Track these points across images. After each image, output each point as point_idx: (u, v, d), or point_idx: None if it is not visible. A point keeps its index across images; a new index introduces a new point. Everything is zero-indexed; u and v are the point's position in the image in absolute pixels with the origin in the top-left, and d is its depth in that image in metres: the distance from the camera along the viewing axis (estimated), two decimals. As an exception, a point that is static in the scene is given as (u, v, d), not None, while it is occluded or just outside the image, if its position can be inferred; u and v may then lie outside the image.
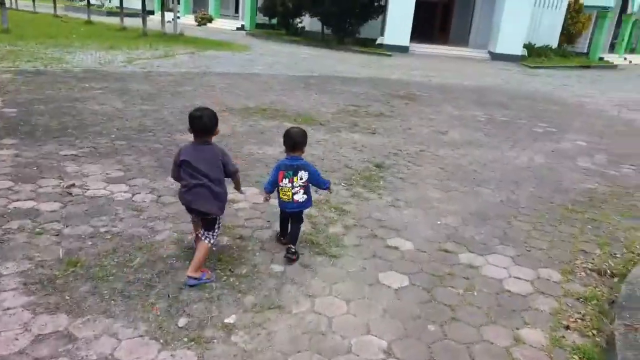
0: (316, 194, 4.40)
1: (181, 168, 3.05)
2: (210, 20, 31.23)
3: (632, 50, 35.21)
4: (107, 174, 4.74)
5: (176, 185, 3.42)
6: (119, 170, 4.85)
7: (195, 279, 3.02)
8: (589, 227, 4.47)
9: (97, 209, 3.96)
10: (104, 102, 7.70)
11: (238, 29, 30.10)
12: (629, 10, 30.97)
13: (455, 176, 5.65)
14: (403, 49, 23.50)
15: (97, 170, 4.81)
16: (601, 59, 29.65)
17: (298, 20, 27.17)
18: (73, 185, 4.37)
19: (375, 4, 23.74)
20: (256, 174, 5.09)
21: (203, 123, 3.03)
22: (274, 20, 28.34)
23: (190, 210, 3.16)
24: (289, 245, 3.45)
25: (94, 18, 26.95)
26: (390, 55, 21.76)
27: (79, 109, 7.15)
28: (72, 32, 18.52)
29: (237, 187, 3.43)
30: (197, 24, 30.55)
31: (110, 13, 32.16)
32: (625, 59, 32.03)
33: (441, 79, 15.02)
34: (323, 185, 3.57)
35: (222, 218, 3.27)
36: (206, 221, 3.11)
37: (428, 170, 5.80)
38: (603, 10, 29.33)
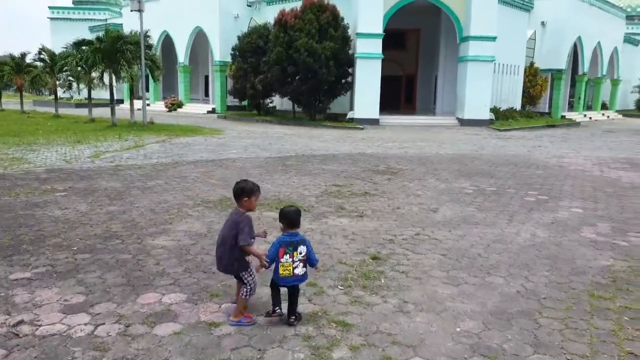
0: (311, 306, 3.79)
1: None
2: (180, 105, 31.44)
3: (589, 108, 36.85)
4: (65, 300, 4.03)
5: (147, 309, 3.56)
6: (80, 294, 4.15)
7: (235, 322, 3.61)
8: (626, 318, 3.93)
9: (49, 354, 3.23)
10: (67, 206, 7.06)
11: (209, 112, 30.31)
12: (580, 71, 32.67)
13: (461, 264, 5.12)
14: (374, 122, 23.80)
15: (53, 296, 4.10)
16: (563, 117, 30.77)
17: (268, 100, 27.52)
18: (21, 322, 3.64)
19: (343, 80, 24.28)
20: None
21: (233, 192, 3.77)
22: (245, 102, 28.65)
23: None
24: (291, 318, 3.64)
25: (63, 111, 26.74)
26: (362, 129, 21.91)
27: (37, 216, 6.48)
28: (38, 128, 18.08)
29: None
30: (167, 109, 30.70)
31: (79, 105, 32.15)
32: (585, 115, 33.34)
33: (417, 149, 14.93)
34: (314, 262, 3.77)
35: (250, 277, 3.70)
36: (236, 277, 3.76)
37: (430, 258, 5.27)
38: (557, 73, 30.82)
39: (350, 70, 24.44)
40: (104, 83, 20.74)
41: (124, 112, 21.77)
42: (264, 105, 27.58)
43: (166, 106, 31.44)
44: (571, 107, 34.32)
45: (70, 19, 46.20)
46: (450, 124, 24.76)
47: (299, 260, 3.63)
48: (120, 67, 18.76)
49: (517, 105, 29.20)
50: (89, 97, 22.71)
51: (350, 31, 24.08)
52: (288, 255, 3.60)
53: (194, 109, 31.27)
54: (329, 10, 23.42)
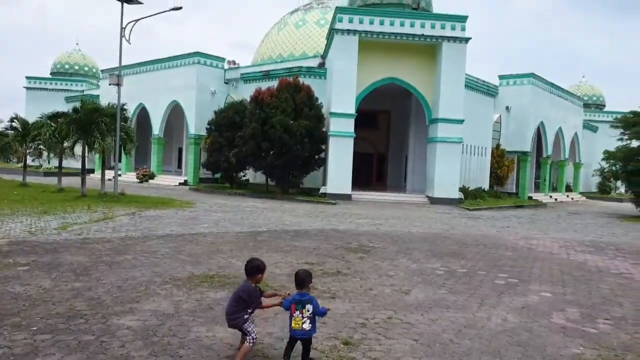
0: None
1: None
2: (152, 176, 31.33)
3: (554, 189, 38.26)
4: (17, 389, 3.77)
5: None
6: (34, 382, 3.90)
7: None
8: (598, 410, 3.90)
9: None
10: (29, 282, 6.77)
11: (181, 184, 30.23)
12: (544, 154, 34.29)
13: (433, 350, 5.06)
14: (346, 197, 24.11)
15: (5, 385, 3.84)
16: (530, 197, 31.79)
17: (242, 173, 27.74)
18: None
19: (317, 156, 24.82)
20: (207, 371, 4.27)
21: (247, 268, 4.68)
22: (218, 174, 28.79)
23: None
24: None
25: (31, 179, 26.27)
26: (335, 204, 22.12)
27: (-5, 293, 6.18)
28: (3, 197, 17.60)
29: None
30: (139, 180, 30.49)
31: (47, 174, 31.66)
32: (551, 196, 34.55)
33: (388, 226, 15.08)
34: (322, 314, 4.56)
35: (251, 327, 4.56)
36: (234, 327, 4.60)
37: (402, 344, 5.19)
38: (523, 155, 32.27)
39: (323, 146, 25.08)
40: (74, 154, 20.58)
41: (95, 182, 21.56)
42: (238, 178, 27.75)
43: (138, 177, 31.27)
44: (537, 188, 35.62)
45: (46, 89, 46.60)
46: (420, 201, 25.26)
47: (307, 317, 4.41)
48: (94, 139, 18.77)
49: (486, 185, 30.18)
50: (60, 167, 22.48)
51: (324, 110, 25.01)
52: (298, 311, 4.42)
53: (166, 181, 31.17)
54: (304, 90, 24.41)
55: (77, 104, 20.67)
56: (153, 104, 33.46)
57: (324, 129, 24.90)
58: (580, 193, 41.47)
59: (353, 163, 24.86)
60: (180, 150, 35.96)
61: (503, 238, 13.88)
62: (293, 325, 4.43)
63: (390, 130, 33.68)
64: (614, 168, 28.43)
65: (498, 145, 32.00)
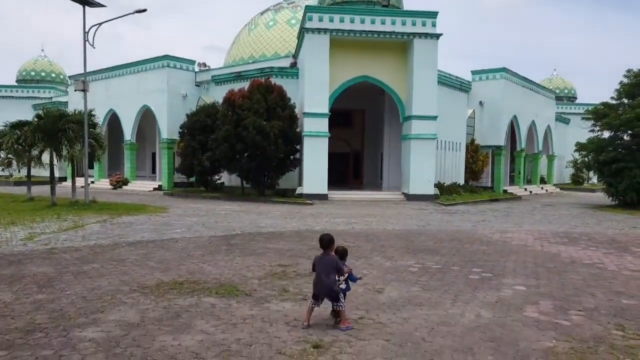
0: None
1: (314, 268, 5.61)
2: (125, 182, 30.74)
3: (528, 182, 38.85)
4: (-38, 414, 3.54)
5: None
6: (-18, 405, 3.67)
7: (345, 327, 5.41)
8: (569, 404, 3.86)
9: None
10: (-14, 297, 6.46)
11: (155, 189, 29.75)
12: (518, 148, 34.77)
13: (405, 351, 4.96)
14: (322, 197, 24.01)
15: (-52, 410, 3.60)
16: (505, 191, 32.20)
17: (217, 176, 27.40)
18: None
19: (292, 157, 24.66)
20: (169, 383, 4.09)
21: (322, 244, 5.67)
22: (192, 179, 28.39)
23: (314, 295, 5.61)
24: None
25: (1, 189, 25.44)
26: (311, 204, 22.00)
27: (-52, 311, 5.87)
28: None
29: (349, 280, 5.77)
30: (112, 187, 29.88)
31: (18, 183, 30.81)
32: (525, 189, 35.05)
33: (364, 225, 15.02)
34: (355, 280, 6.00)
35: (343, 296, 5.55)
36: (331, 298, 5.51)
37: (373, 345, 5.08)
38: (497, 149, 32.66)
39: (298, 147, 24.93)
40: (41, 162, 19.96)
41: (66, 191, 20.99)
42: (212, 182, 27.41)
43: (111, 183, 30.65)
44: (512, 181, 36.10)
45: (13, 97, 45.28)
46: (396, 198, 25.32)
47: (343, 280, 5.65)
48: (61, 146, 18.23)
49: (461, 180, 30.45)
50: (29, 175, 21.83)
51: (297, 110, 24.85)
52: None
53: (140, 186, 30.62)
54: (276, 91, 24.21)
55: (41, 112, 20.03)
56: (124, 109, 32.83)
57: (298, 129, 24.75)
58: (554, 185, 42.22)
59: (329, 162, 24.77)
60: (153, 155, 35.38)
61: (478, 232, 13.95)
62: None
63: (365, 129, 33.71)
64: (586, 159, 28.95)
65: (472, 140, 32.32)
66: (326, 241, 5.66)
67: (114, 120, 34.02)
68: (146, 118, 32.68)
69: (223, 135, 23.41)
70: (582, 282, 8.14)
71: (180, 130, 27.53)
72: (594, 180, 45.87)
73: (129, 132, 32.66)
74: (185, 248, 10.39)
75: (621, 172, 23.58)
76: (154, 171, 35.67)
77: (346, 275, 5.66)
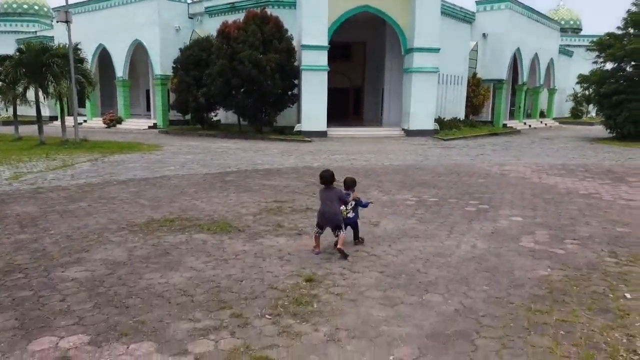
0: (233, 340, 3.41)
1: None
2: (119, 121, 30.22)
3: (528, 116, 38.30)
4: (-59, 351, 3.45)
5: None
6: (-38, 342, 3.58)
7: (342, 248, 5.58)
8: (562, 333, 3.78)
9: None
10: (-30, 236, 6.33)
11: (150, 127, 29.29)
12: (519, 81, 33.94)
13: (399, 281, 4.87)
14: (321, 134, 23.64)
15: None
16: (505, 125, 31.77)
17: (213, 114, 26.87)
18: None
19: (289, 92, 24.03)
20: (155, 318, 3.99)
21: (324, 180, 5.83)
22: (188, 116, 27.88)
23: (318, 224, 5.81)
24: (356, 241, 6.16)
25: (-11, 129, 25.02)
26: (310, 141, 21.68)
27: None
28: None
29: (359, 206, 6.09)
30: (106, 126, 29.42)
31: (6, 123, 30.20)
32: (525, 123, 34.60)
33: (363, 161, 14.81)
34: (365, 205, 6.14)
35: (343, 225, 5.76)
36: (334, 226, 5.71)
37: (367, 277, 4.99)
38: (498, 83, 31.87)
39: (296, 82, 24.23)
40: (27, 100, 19.33)
41: (56, 130, 20.58)
42: (208, 119, 26.90)
43: (105, 122, 30.10)
44: (512, 115, 35.51)
45: (-5, 31, 43.57)
46: (396, 134, 24.96)
47: (350, 209, 5.93)
48: (47, 83, 17.59)
49: (461, 115, 29.91)
50: (15, 114, 21.23)
51: (295, 43, 23.90)
52: (343, 206, 5.87)
53: (134, 125, 30.09)
54: (272, 22, 23.16)
55: (23, 46, 19.20)
56: (114, 45, 31.61)
57: (295, 63, 23.92)
58: (554, 119, 41.65)
59: (328, 98, 24.16)
60: (148, 93, 34.51)
61: (476, 166, 13.76)
62: (344, 214, 5.86)
63: (365, 63, 32.60)
64: (587, 92, 28.34)
65: (474, 74, 31.44)
66: (327, 177, 5.81)
67: (104, 56, 32.86)
68: (138, 53, 31.56)
69: (218, 70, 22.63)
70: (577, 212, 8.04)
71: (174, 66, 26.64)
72: (592, 114, 45.30)
73: (120, 68, 31.66)
74: (178, 185, 10.22)
75: (621, 105, 23.16)
76: (148, 109, 34.92)
77: (353, 203, 5.90)
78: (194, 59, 24.99)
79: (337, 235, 5.73)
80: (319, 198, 5.92)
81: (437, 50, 24.28)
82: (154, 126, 29.45)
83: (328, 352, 3.49)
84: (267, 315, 4.07)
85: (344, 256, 5.57)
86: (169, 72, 27.91)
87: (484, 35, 31.78)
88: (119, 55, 31.46)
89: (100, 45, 32.04)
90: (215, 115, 27.25)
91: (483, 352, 3.49)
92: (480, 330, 3.82)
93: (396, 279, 4.95)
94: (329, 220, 5.72)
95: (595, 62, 25.73)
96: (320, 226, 5.82)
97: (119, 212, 7.70)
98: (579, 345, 3.57)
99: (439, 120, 26.03)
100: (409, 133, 24.40)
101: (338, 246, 5.63)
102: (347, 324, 3.92)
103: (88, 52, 28.92)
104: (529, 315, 4.09)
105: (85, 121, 31.57)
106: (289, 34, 23.69)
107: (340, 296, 4.49)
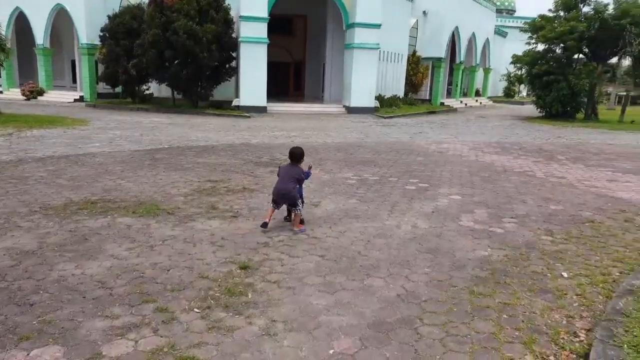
0: (156, 339, 3.03)
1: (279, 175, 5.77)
2: (41, 93, 27.95)
3: (464, 95, 39.35)
4: None
5: None
6: None
7: (300, 230, 5.62)
8: (505, 316, 3.68)
9: None
10: None
11: (76, 100, 27.34)
12: (457, 60, 34.64)
13: (340, 265, 4.64)
14: (261, 109, 23.02)
15: None
16: (442, 104, 32.42)
17: (145, 87, 25.45)
18: None
19: (227, 65, 23.13)
20: (65, 316, 3.51)
21: (296, 154, 5.78)
22: (119, 89, 26.24)
23: (274, 201, 5.73)
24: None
25: None
26: (249, 117, 21.05)
27: None
28: None
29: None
30: (25, 98, 27.12)
31: None
32: (461, 102, 35.51)
33: (304, 138, 14.48)
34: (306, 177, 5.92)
35: (300, 202, 5.73)
36: (289, 203, 5.74)
37: (307, 262, 4.71)
38: (437, 61, 32.34)
39: (234, 54, 23.33)
40: None
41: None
42: (140, 92, 25.42)
43: (24, 94, 27.67)
44: (449, 94, 36.32)
45: None
46: (338, 111, 24.76)
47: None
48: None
49: (401, 93, 30.14)
50: None
51: (233, 13, 22.92)
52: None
53: (58, 97, 27.90)
54: (209, -10, 22.02)
55: None
56: (33, 9, 28.87)
57: (234, 35, 23.00)
58: (489, 98, 43.08)
59: (268, 72, 23.46)
60: (73, 63, 32.11)
61: (415, 144, 13.81)
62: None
63: (307, 37, 31.97)
64: (519, 72, 29.38)
65: (414, 52, 31.70)
66: (298, 154, 5.79)
67: (22, 22, 30.09)
68: (61, 19, 29.09)
69: (150, 40, 21.29)
70: (514, 189, 8.18)
71: (102, 34, 24.83)
72: (524, 93, 47.33)
73: (40, 35, 29.08)
74: (103, 163, 9.45)
75: (550, 85, 24.17)
76: (75, 81, 32.57)
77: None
78: (124, 28, 23.40)
79: (294, 214, 5.77)
80: (278, 174, 5.83)
81: (378, 26, 24.12)
82: (81, 99, 27.51)
83: (263, 348, 3.19)
84: (195, 309, 3.70)
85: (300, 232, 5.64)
86: (97, 42, 26.02)
87: (424, 12, 32.03)
88: (39, 21, 28.87)
89: (17, 8, 29.22)
90: (148, 89, 25.82)
91: (427, 341, 3.32)
92: (423, 316, 3.65)
93: (337, 262, 4.71)
94: (284, 197, 5.68)
95: (528, 44, 26.63)
96: (276, 202, 5.76)
97: (32, 193, 6.93)
98: (522, 330, 3.48)
99: (379, 98, 26.06)
100: (350, 110, 24.28)
101: (294, 227, 5.67)
102: (284, 315, 3.63)
103: (2, 17, 26.42)
104: (471, 298, 3.97)
105: (0, 92, 29.04)
106: (227, 4, 22.67)
107: (278, 284, 4.19)
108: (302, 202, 5.85)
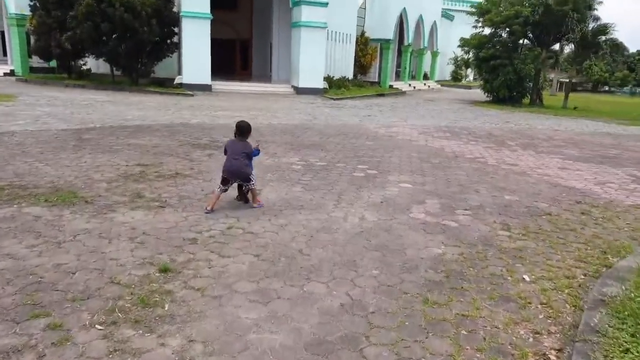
0: None
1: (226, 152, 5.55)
2: (-37, 65, 25.50)
3: (413, 77, 39.40)
4: None
5: None
6: None
7: (259, 204, 5.66)
8: (464, 332, 3.23)
9: None
10: None
11: (6, 74, 25.19)
12: (405, 42, 34.47)
13: (277, 268, 4.07)
14: (205, 87, 21.93)
15: None
16: (391, 86, 32.24)
17: (82, 62, 23.66)
18: None
19: (169, 41, 21.81)
20: None
21: (241, 130, 5.56)
22: (54, 63, 24.27)
23: (224, 180, 5.49)
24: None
25: None
26: (192, 95, 19.97)
27: None
28: None
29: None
30: (-55, 70, 24.66)
31: None
32: (410, 85, 35.49)
33: (249, 118, 13.49)
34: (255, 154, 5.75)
35: (253, 177, 5.57)
36: (242, 179, 5.53)
37: (239, 263, 4.12)
38: (386, 43, 32.03)
39: (176, 30, 21.99)
40: None
41: None
42: (76, 68, 23.63)
43: (-56, 66, 25.25)
44: (398, 76, 36.19)
45: None
46: (286, 92, 24.00)
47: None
48: None
49: (350, 75, 29.62)
50: None
51: (173, -14, 21.53)
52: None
53: (-16, 70, 25.67)
54: (148, -41, 20.49)
55: None
56: (-48, -28, 26.27)
57: (174, 9, 21.64)
58: (436, 81, 43.39)
59: (213, 50, 22.31)
60: (3, 35, 29.50)
61: (364, 127, 13.38)
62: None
63: (252, 13, 30.76)
64: (466, 56, 29.54)
65: (363, 33, 31.21)
66: (245, 128, 5.57)
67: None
68: (-16, -15, 26.58)
69: (83, 12, 19.58)
70: (466, 178, 7.87)
71: (31, 4, 22.75)
72: (471, 77, 48.06)
73: (-38, 2, 26.52)
74: (21, 143, 8.41)
75: (497, 69, 24.39)
76: (5, 54, 30.00)
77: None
78: (55, -3, 21.48)
79: (248, 188, 5.61)
80: (225, 151, 5.56)
81: (325, 4, 23.42)
82: (11, 73, 25.35)
83: (174, 381, 2.59)
84: (97, 325, 3.04)
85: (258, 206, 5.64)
86: (27, 12, 23.85)
87: (372, -8, 31.53)
88: (-42, -14, 26.24)
89: None
90: (85, 64, 24.04)
91: (373, 363, 2.83)
92: (370, 333, 3.15)
93: (274, 264, 4.14)
94: (236, 173, 5.45)
95: (475, 27, 26.68)
96: (227, 181, 5.49)
97: None
98: (484, 350, 3.03)
99: (328, 79, 25.47)
100: (299, 91, 23.57)
101: (254, 204, 5.65)
102: (205, 333, 3.04)
103: None
104: (425, 309, 3.50)
105: None
106: (168, -26, 21.24)
107: (202, 292, 3.58)
108: (254, 180, 5.63)
